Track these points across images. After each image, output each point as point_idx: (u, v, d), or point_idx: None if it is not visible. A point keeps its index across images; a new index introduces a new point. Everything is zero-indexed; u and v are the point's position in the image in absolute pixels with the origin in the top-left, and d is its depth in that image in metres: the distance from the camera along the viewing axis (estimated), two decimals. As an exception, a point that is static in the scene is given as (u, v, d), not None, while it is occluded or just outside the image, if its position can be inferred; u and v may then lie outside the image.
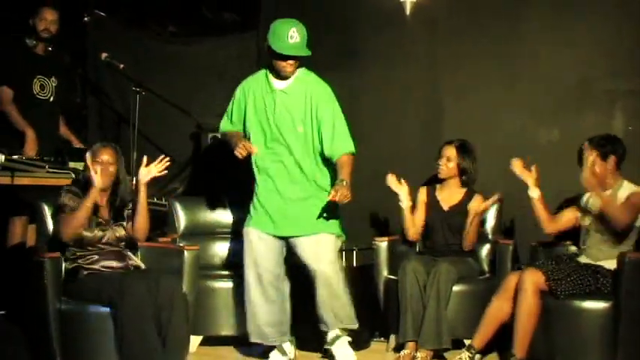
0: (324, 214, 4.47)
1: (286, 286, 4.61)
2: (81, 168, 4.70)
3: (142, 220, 4.43)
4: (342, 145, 4.41)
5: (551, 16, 5.55)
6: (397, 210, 5.14)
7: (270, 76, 4.48)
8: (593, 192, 4.48)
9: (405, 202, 5.08)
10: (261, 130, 4.49)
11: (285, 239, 4.54)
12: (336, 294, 4.50)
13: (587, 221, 4.62)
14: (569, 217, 4.75)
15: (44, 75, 5.40)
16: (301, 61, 4.47)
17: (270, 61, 4.43)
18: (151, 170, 4.42)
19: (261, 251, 4.51)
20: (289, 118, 4.45)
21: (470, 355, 4.44)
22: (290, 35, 4.33)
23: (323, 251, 4.48)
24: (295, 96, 4.47)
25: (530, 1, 5.63)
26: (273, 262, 4.53)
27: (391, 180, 5.09)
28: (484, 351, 4.54)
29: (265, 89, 4.48)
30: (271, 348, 4.60)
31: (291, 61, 4.39)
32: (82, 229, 4.26)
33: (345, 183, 4.20)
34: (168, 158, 4.45)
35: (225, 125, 4.68)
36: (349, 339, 4.58)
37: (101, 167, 4.29)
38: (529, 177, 4.67)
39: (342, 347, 4.54)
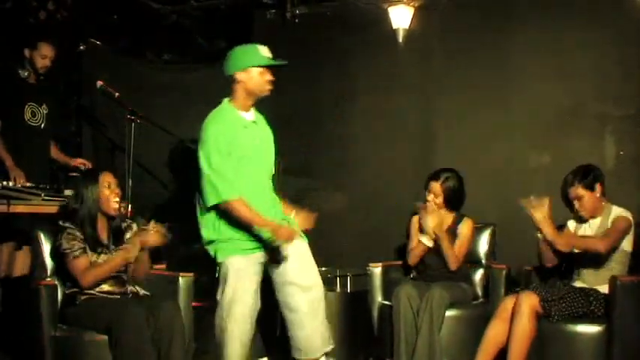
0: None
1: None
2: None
3: (142, 269, 4.45)
4: None
5: (543, 42, 5.61)
6: (391, 236, 5.16)
7: (238, 111, 4.27)
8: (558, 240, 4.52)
9: (430, 241, 4.98)
10: (249, 170, 4.22)
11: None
12: (322, 311, 4.32)
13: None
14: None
15: (35, 102, 5.40)
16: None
17: (241, 89, 4.23)
18: (153, 239, 4.35)
19: (251, 282, 4.23)
20: (263, 150, 4.33)
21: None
22: (262, 50, 4.26)
23: (309, 258, 4.34)
24: (262, 125, 4.39)
25: (521, 27, 5.69)
26: (257, 296, 4.28)
27: (427, 208, 4.92)
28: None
29: (241, 125, 4.25)
30: None
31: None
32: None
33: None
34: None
35: (231, 191, 4.12)
36: None
37: (109, 195, 4.35)
38: (540, 217, 4.51)
39: None
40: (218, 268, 4.27)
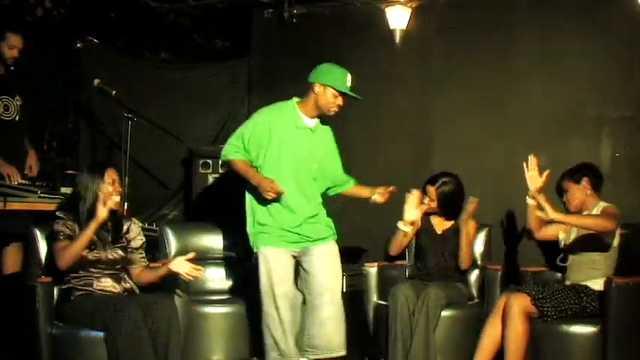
0: (328, 224, 4.69)
1: (299, 300, 4.64)
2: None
3: (149, 278, 4.45)
4: (346, 176, 4.84)
5: (541, 44, 5.62)
6: (387, 236, 5.16)
7: (300, 112, 4.58)
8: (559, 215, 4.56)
9: (406, 226, 5.00)
10: (284, 162, 4.53)
11: (295, 257, 4.60)
12: (340, 314, 4.55)
13: (569, 240, 4.69)
14: (554, 230, 4.84)
15: (8, 95, 5.24)
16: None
17: (312, 98, 4.53)
18: (185, 269, 4.32)
19: (279, 269, 4.50)
20: (310, 154, 4.60)
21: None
22: (348, 78, 4.54)
23: (333, 262, 4.61)
24: (319, 135, 4.65)
25: (519, 29, 5.70)
26: (289, 280, 4.55)
27: (413, 197, 4.84)
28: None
29: (294, 124, 4.57)
30: None
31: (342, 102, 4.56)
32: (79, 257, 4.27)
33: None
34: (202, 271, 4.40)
35: (235, 153, 4.60)
36: None
37: (112, 192, 4.33)
38: (534, 184, 4.62)
39: None
40: (253, 258, 4.57)
